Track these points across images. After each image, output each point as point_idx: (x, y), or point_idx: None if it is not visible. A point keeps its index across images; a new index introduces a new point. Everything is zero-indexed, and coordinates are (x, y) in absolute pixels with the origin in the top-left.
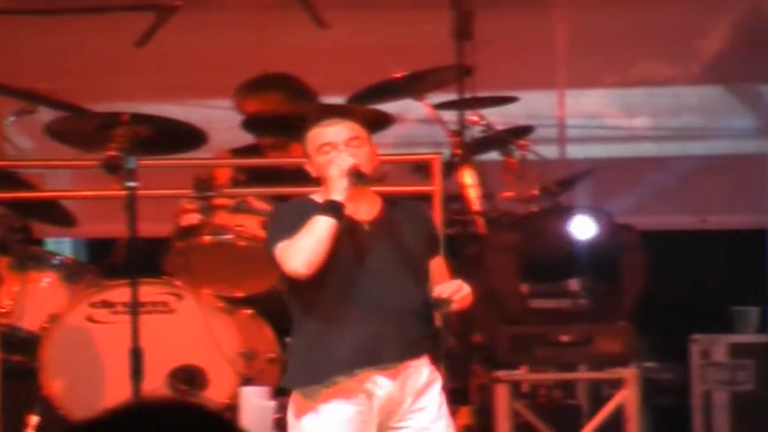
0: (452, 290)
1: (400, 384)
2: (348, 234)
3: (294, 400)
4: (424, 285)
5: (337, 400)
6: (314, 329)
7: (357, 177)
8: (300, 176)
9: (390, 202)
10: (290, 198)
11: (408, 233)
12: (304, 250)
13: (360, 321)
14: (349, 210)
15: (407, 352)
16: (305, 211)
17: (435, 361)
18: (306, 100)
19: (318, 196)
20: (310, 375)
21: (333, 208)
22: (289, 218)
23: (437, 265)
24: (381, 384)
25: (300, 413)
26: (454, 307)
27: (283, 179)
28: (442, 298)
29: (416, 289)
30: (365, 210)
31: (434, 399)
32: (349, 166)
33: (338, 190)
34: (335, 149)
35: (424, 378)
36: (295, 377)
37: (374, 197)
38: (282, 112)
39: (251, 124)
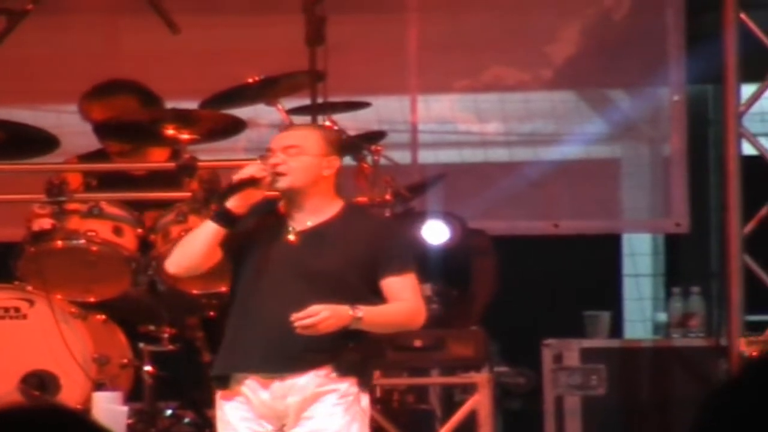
0: (301, 316)
1: (277, 395)
2: (273, 241)
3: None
4: (341, 301)
5: (226, 396)
6: (228, 325)
7: (231, 188)
8: (151, 181)
9: (354, 210)
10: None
11: (345, 248)
12: (178, 250)
13: (250, 325)
14: (289, 215)
15: (285, 366)
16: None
17: (338, 372)
18: (153, 105)
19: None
20: (215, 367)
21: (222, 215)
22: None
23: (392, 284)
24: (256, 391)
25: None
26: (300, 331)
27: (135, 184)
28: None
29: (323, 303)
30: (307, 217)
31: (326, 409)
32: (242, 178)
33: (233, 200)
34: (273, 155)
35: (310, 390)
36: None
37: (328, 204)
38: (131, 119)
39: (101, 130)
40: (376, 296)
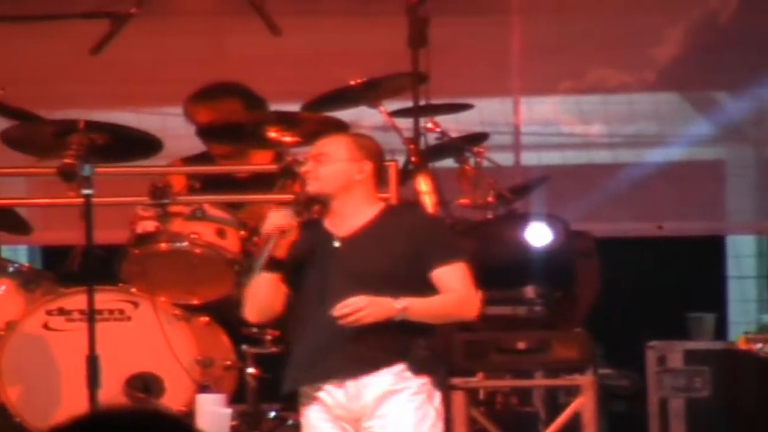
0: (342, 309)
1: (353, 395)
2: (321, 252)
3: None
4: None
5: (307, 405)
6: (293, 341)
7: (273, 248)
8: (255, 183)
9: (395, 210)
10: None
11: (388, 247)
12: (249, 303)
13: (313, 336)
14: (331, 223)
15: (357, 367)
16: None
17: (412, 370)
18: (258, 108)
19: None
20: (288, 382)
21: (271, 266)
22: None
23: (441, 275)
24: (332, 394)
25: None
26: (344, 323)
27: (238, 187)
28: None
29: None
30: (348, 224)
31: (399, 407)
32: (275, 230)
33: (272, 246)
34: (307, 162)
35: (384, 388)
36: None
37: (368, 206)
38: (235, 121)
39: (205, 132)
40: (431, 289)
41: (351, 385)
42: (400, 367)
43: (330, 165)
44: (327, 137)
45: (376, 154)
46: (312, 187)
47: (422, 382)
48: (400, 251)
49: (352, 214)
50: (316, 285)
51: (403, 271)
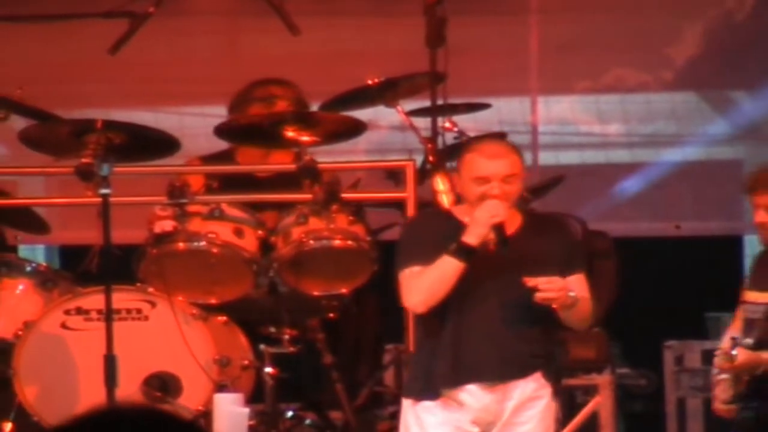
0: (544, 281)
1: (498, 399)
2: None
3: (404, 407)
4: (542, 306)
5: (437, 410)
6: (429, 343)
7: (498, 233)
8: (275, 183)
9: (532, 217)
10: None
11: (537, 253)
12: (425, 290)
13: (465, 339)
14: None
15: (507, 372)
16: (442, 229)
17: (547, 378)
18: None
19: (459, 212)
20: (418, 387)
21: (465, 252)
22: (424, 236)
23: (576, 281)
24: (477, 396)
25: (407, 421)
26: (540, 299)
27: (257, 186)
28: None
29: (529, 310)
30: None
31: (536, 415)
32: (497, 221)
33: (476, 234)
34: (489, 183)
35: (526, 394)
36: (407, 387)
37: (514, 214)
38: (256, 121)
39: (223, 132)
40: None
41: (501, 388)
42: (539, 374)
43: (517, 183)
44: (503, 155)
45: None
46: (504, 209)
47: (551, 390)
48: (550, 256)
49: (507, 219)
50: (463, 289)
51: (556, 275)
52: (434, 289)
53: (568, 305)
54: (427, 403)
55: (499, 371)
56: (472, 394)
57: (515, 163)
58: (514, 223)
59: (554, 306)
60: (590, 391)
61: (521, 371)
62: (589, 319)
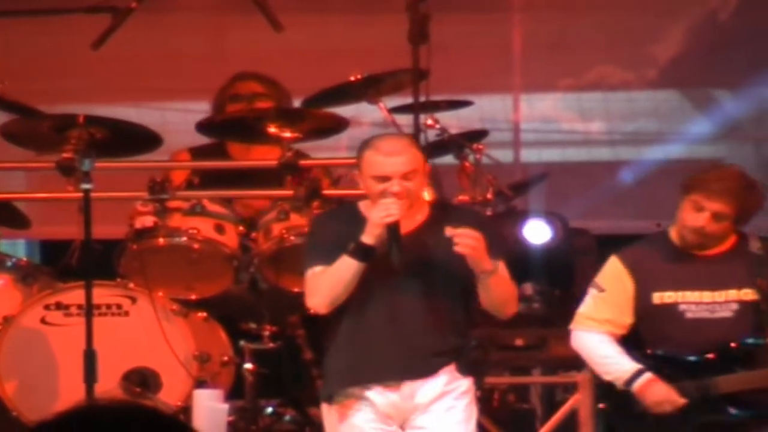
0: (462, 234)
1: (406, 396)
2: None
3: (324, 412)
4: (456, 298)
5: (347, 409)
6: (337, 340)
7: (391, 234)
8: (259, 177)
9: (441, 208)
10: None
11: (444, 243)
12: (326, 291)
13: (370, 337)
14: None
15: (412, 371)
16: (345, 226)
17: (461, 371)
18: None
19: (365, 207)
20: (330, 389)
21: (363, 252)
22: (326, 236)
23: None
24: (384, 395)
25: (329, 424)
26: (459, 249)
27: (243, 180)
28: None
29: (441, 304)
30: (405, 222)
31: (446, 404)
32: (391, 221)
33: (372, 234)
34: (389, 181)
35: (438, 389)
36: (322, 392)
37: (421, 206)
38: (238, 117)
39: (205, 127)
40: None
41: (407, 386)
42: (451, 367)
43: (417, 179)
44: (403, 150)
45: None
46: (404, 206)
47: (469, 381)
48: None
49: (409, 214)
50: (372, 284)
51: (464, 267)
52: (335, 290)
53: (487, 270)
54: (340, 404)
55: (401, 371)
56: (380, 394)
57: (414, 159)
58: (421, 215)
59: (472, 258)
60: (570, 388)
61: (425, 370)
62: (514, 305)
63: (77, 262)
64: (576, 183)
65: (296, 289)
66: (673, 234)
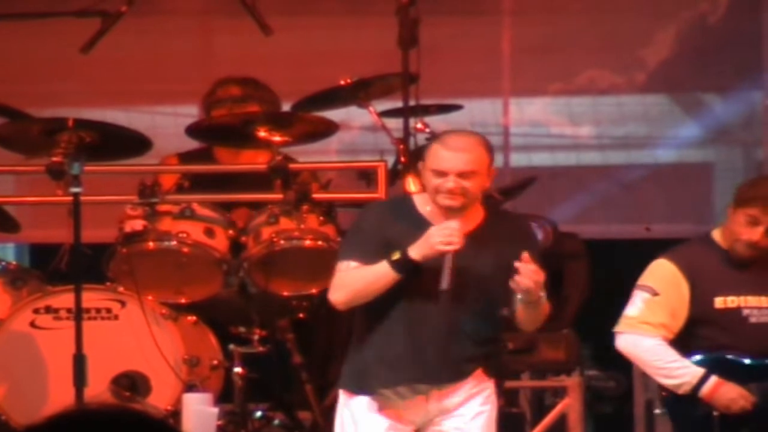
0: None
1: (434, 401)
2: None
3: (340, 400)
4: (494, 307)
5: (373, 411)
6: (367, 339)
7: (449, 261)
8: (249, 181)
9: (495, 215)
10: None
11: (493, 253)
12: (352, 291)
13: (402, 339)
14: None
15: (443, 377)
16: (398, 221)
17: (488, 374)
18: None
19: (420, 201)
20: (353, 382)
21: (405, 268)
22: (372, 230)
23: None
24: (412, 397)
25: (343, 416)
26: (520, 285)
27: (232, 184)
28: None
29: (479, 312)
30: (462, 224)
31: (471, 407)
32: (448, 249)
33: (423, 254)
34: (445, 177)
35: (465, 394)
36: (344, 379)
37: (476, 211)
38: (228, 121)
39: (195, 131)
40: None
41: (436, 392)
42: (479, 372)
43: (476, 179)
44: (469, 149)
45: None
46: (459, 203)
47: (492, 384)
48: (507, 257)
49: (466, 217)
50: (409, 286)
51: (505, 276)
52: (362, 292)
53: (534, 301)
54: (362, 399)
55: (433, 376)
56: (407, 396)
57: (477, 160)
58: (475, 220)
59: (521, 295)
60: (559, 392)
61: (456, 376)
62: (542, 323)
63: (67, 266)
64: (565, 187)
65: (286, 293)
66: (719, 239)
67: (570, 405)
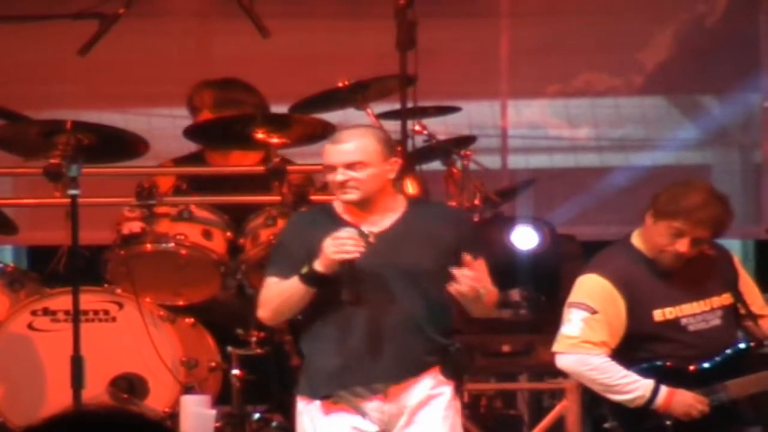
0: (472, 278)
1: (392, 399)
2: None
3: (299, 407)
4: (436, 297)
5: (331, 413)
6: (319, 341)
7: (348, 274)
8: (242, 183)
9: (416, 204)
10: (234, 206)
11: (424, 241)
12: (273, 307)
13: (354, 338)
14: (360, 221)
15: (398, 373)
16: (318, 229)
17: (445, 374)
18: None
19: (338, 204)
20: (308, 387)
21: (314, 281)
22: (293, 242)
23: (477, 269)
24: (370, 397)
25: (302, 422)
26: (462, 290)
27: (227, 186)
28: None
29: (421, 302)
30: (381, 219)
31: (434, 412)
32: (343, 259)
33: (325, 265)
34: (335, 171)
35: (424, 392)
36: (301, 386)
37: (394, 202)
38: (225, 123)
39: (192, 133)
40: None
41: (393, 389)
42: (436, 371)
43: (366, 170)
44: (351, 140)
45: (395, 147)
46: (353, 196)
47: (452, 387)
48: (445, 244)
49: (383, 210)
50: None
51: (448, 264)
52: (281, 307)
53: (474, 298)
54: (319, 403)
55: (389, 372)
56: (365, 395)
57: (362, 150)
58: (395, 212)
59: (459, 298)
60: (557, 394)
61: (413, 371)
62: (494, 309)
63: (64, 268)
64: (563, 189)
65: None
66: (641, 246)
67: (568, 407)
